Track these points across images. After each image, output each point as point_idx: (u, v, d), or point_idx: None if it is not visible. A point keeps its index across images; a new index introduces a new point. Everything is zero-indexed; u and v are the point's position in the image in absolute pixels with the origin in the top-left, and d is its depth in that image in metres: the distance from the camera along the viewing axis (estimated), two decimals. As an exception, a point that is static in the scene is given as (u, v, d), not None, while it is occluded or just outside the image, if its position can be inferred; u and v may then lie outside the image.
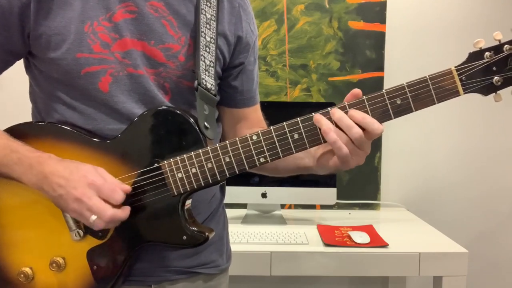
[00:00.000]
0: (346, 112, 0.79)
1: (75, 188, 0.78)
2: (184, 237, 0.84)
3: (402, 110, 0.78)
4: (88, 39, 0.84)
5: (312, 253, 1.57)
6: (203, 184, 0.83)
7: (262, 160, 0.82)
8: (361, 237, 1.63)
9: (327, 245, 1.60)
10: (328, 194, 1.88)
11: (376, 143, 2.05)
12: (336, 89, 2.08)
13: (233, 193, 1.86)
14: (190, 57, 0.90)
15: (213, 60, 0.91)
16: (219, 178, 0.83)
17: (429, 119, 2.11)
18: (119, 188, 0.80)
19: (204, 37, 0.89)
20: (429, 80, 0.77)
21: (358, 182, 2.09)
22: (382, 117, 0.79)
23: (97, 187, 0.79)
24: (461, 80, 0.76)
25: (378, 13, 2.06)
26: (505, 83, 0.76)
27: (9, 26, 0.84)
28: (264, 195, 1.89)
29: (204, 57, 0.89)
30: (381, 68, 2.08)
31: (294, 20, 2.07)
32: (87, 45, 0.84)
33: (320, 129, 0.79)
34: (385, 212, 2.10)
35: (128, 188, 0.82)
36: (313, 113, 0.80)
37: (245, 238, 1.64)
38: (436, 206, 2.15)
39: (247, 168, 0.82)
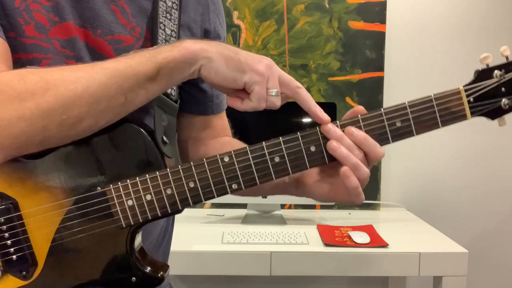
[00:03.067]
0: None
1: (261, 57, 0.66)
2: (134, 278, 0.68)
3: (402, 133, 0.69)
4: (19, 18, 0.67)
5: (312, 253, 1.57)
6: (159, 214, 0.67)
7: (234, 187, 0.67)
8: (361, 237, 1.63)
9: (327, 245, 1.60)
10: (328, 194, 1.88)
11: (376, 143, 2.04)
12: (336, 89, 2.08)
13: (233, 193, 1.86)
14: None
15: None
16: (180, 208, 0.67)
17: (429, 119, 2.11)
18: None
19: (164, 30, 0.74)
20: (434, 100, 0.67)
21: (358, 182, 2.09)
22: (379, 140, 0.69)
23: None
24: (469, 102, 0.67)
25: (378, 13, 2.06)
26: None
27: None
28: (264, 195, 1.89)
29: None
30: (381, 68, 2.08)
31: (294, 20, 2.07)
32: (17, 25, 0.67)
33: (306, 150, 0.68)
34: (385, 212, 2.10)
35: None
36: (298, 133, 0.68)
37: (245, 238, 1.64)
38: (436, 206, 2.15)
39: (215, 196, 0.68)
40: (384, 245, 1.59)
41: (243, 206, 2.01)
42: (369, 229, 1.74)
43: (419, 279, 2.13)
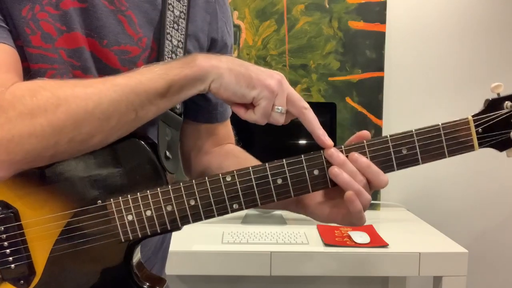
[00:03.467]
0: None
1: (272, 72, 0.67)
2: None
3: (407, 161, 0.67)
4: (26, 27, 0.66)
5: (312, 253, 1.57)
6: (159, 231, 0.67)
7: (235, 206, 0.67)
8: (361, 237, 1.63)
9: (327, 245, 1.59)
10: (328, 194, 1.87)
11: (376, 143, 2.04)
12: (336, 89, 2.08)
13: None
14: None
15: None
16: (179, 225, 0.67)
17: (428, 119, 2.10)
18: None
19: (170, 41, 0.73)
20: (441, 130, 0.67)
21: (358, 182, 2.08)
22: (383, 168, 0.68)
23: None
24: (477, 132, 0.66)
25: (378, 13, 2.06)
26: None
27: None
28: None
29: None
30: (381, 68, 2.07)
31: (294, 20, 2.07)
32: (24, 35, 0.66)
33: (309, 173, 0.67)
34: (385, 212, 2.10)
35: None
36: (302, 155, 0.67)
37: (245, 238, 1.64)
38: (436, 206, 2.15)
39: (216, 215, 0.67)
40: (384, 245, 1.59)
41: (243, 206, 2.00)
42: (369, 229, 1.74)
43: (419, 279, 2.13)
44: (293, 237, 1.66)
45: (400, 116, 2.11)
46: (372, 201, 2.09)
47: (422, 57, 2.11)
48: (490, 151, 2.09)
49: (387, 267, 1.57)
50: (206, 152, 0.89)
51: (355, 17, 2.06)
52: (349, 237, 1.65)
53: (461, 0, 2.10)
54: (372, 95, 2.07)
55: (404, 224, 1.93)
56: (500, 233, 2.17)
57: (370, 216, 2.00)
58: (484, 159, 2.13)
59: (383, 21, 2.06)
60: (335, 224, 1.82)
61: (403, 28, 2.10)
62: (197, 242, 1.61)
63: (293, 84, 2.07)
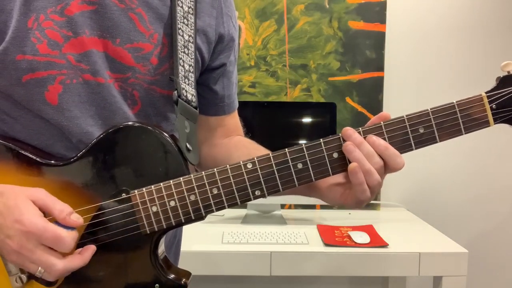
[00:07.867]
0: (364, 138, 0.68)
1: (10, 238, 0.61)
2: (157, 285, 0.70)
3: (425, 140, 0.69)
4: (33, 37, 0.67)
5: (312, 253, 1.57)
6: (183, 221, 0.68)
7: (257, 193, 0.68)
8: (361, 237, 1.63)
9: (327, 245, 1.59)
10: (328, 194, 1.87)
11: (376, 143, 2.04)
12: (336, 89, 2.08)
13: (233, 193, 1.86)
14: (165, 59, 0.75)
15: (192, 64, 0.76)
16: (203, 214, 0.69)
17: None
18: (64, 233, 0.62)
19: (182, 36, 0.75)
20: (456, 107, 0.68)
21: (358, 182, 2.08)
22: (402, 147, 0.69)
23: (37, 236, 0.61)
24: (491, 108, 0.68)
25: (378, 13, 2.06)
26: None
27: None
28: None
29: (183, 61, 0.75)
30: (381, 68, 2.07)
31: (294, 20, 2.07)
32: (31, 44, 0.67)
33: (329, 156, 0.68)
34: (385, 212, 2.09)
35: (80, 221, 0.64)
36: (320, 139, 0.69)
37: (245, 238, 1.64)
38: (436, 206, 2.15)
39: (239, 202, 0.69)
40: (384, 245, 1.59)
41: (243, 206, 2.00)
42: (369, 229, 1.74)
43: (419, 279, 2.13)
44: (293, 237, 1.66)
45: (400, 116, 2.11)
46: (372, 201, 2.09)
47: (422, 57, 2.11)
48: (492, 148, 2.08)
49: (387, 267, 1.57)
50: (215, 144, 0.90)
51: (355, 17, 2.06)
52: (349, 237, 1.65)
53: (461, 0, 2.10)
54: (372, 95, 2.07)
55: (404, 224, 1.93)
56: (500, 233, 2.17)
57: (370, 216, 2.00)
58: (484, 159, 2.14)
59: (383, 21, 2.06)
60: (336, 224, 1.82)
61: (403, 28, 2.10)
62: (197, 242, 1.61)
63: (293, 84, 2.07)
